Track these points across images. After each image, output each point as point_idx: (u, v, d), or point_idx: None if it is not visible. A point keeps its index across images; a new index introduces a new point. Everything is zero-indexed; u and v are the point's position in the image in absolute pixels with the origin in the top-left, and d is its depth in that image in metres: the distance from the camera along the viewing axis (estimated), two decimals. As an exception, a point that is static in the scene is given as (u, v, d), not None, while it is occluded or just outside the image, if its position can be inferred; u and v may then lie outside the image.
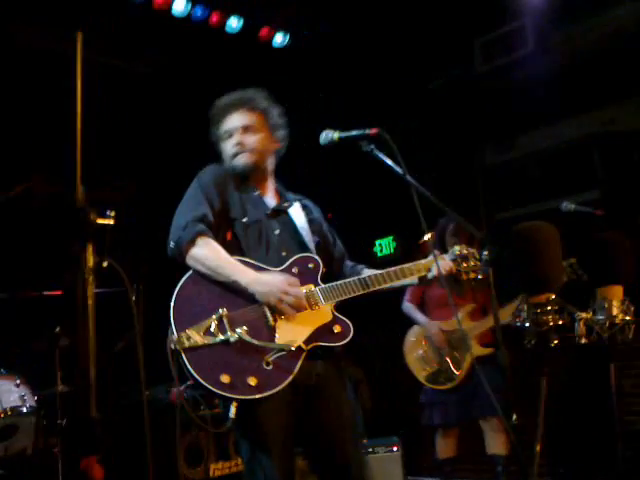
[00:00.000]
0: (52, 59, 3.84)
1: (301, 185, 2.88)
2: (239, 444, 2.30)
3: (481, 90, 5.02)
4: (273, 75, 5.03)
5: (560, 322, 1.90)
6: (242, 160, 2.46)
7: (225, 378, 2.10)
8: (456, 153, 5.68)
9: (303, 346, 2.24)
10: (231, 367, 2.13)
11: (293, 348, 2.21)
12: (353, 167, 4.71)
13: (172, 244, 2.30)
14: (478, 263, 2.43)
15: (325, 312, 2.32)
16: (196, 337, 2.12)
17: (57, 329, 3.77)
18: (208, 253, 2.25)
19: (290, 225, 2.48)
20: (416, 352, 4.00)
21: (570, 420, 4.86)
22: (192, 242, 2.26)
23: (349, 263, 2.69)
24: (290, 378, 2.18)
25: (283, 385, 2.16)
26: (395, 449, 4.25)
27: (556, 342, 1.90)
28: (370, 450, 4.15)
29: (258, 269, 2.30)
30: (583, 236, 2.37)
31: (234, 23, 4.74)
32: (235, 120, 2.48)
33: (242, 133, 2.47)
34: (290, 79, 5.10)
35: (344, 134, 2.37)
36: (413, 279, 2.51)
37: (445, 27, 4.79)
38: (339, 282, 2.37)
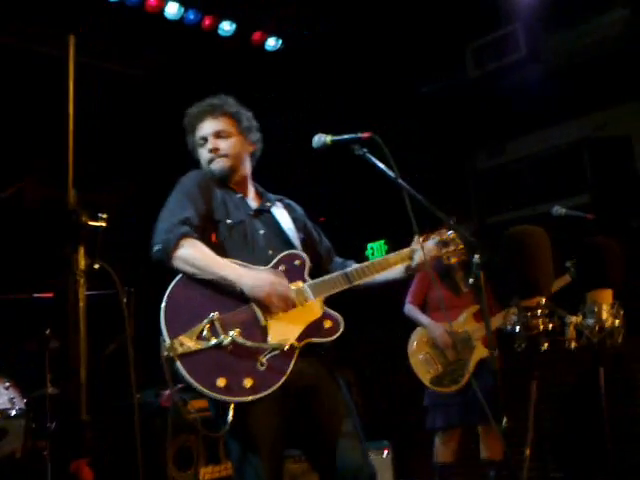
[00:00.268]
0: (46, 61, 3.84)
1: (293, 189, 2.89)
2: (228, 445, 2.30)
3: (473, 95, 5.05)
4: (266, 79, 5.05)
5: (550, 326, 1.92)
6: (218, 165, 2.50)
7: (221, 382, 2.11)
8: (448, 157, 5.70)
9: (295, 344, 2.25)
10: (226, 370, 2.13)
11: (286, 347, 2.22)
12: (345, 171, 4.72)
13: (157, 247, 2.30)
14: (461, 247, 2.45)
15: (315, 308, 2.33)
16: (189, 343, 2.12)
17: (47, 331, 3.76)
18: (195, 253, 2.26)
19: (274, 224, 2.51)
20: (420, 354, 3.98)
21: (567, 424, 4.90)
22: (178, 244, 2.26)
23: (338, 259, 2.69)
24: (285, 376, 2.18)
25: (279, 384, 2.17)
26: (385, 453, 4.26)
27: (546, 346, 1.92)
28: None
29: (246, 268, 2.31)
30: (574, 240, 2.39)
31: (227, 27, 4.74)
32: (208, 126, 2.52)
33: (216, 138, 2.51)
34: (283, 83, 5.12)
35: (337, 138, 2.39)
36: (399, 271, 2.53)
37: (437, 32, 4.81)
38: (326, 277, 2.39)
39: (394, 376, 5.30)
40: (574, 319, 2.09)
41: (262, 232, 2.45)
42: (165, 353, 2.12)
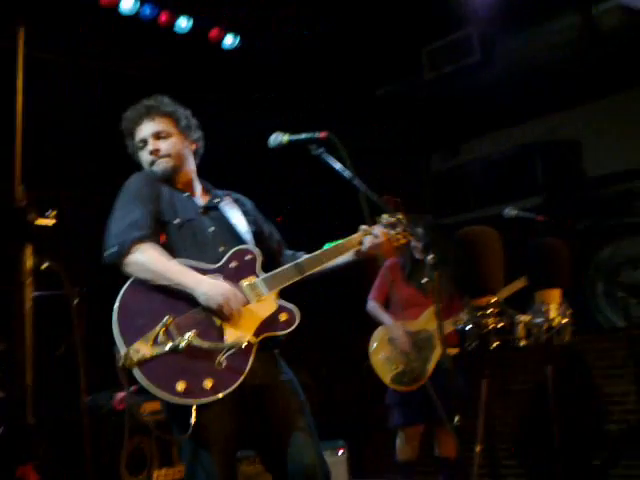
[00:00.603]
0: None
1: (250, 188, 2.87)
2: (181, 446, 2.28)
3: (428, 97, 5.11)
4: (223, 77, 5.01)
5: (500, 325, 1.96)
6: (160, 166, 2.47)
7: (181, 385, 2.09)
8: (403, 158, 5.77)
9: (253, 339, 2.24)
10: (185, 373, 2.11)
11: (244, 344, 2.21)
12: (302, 170, 4.73)
13: (109, 252, 2.26)
14: (407, 228, 2.48)
15: (270, 302, 2.32)
16: (144, 350, 2.09)
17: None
18: (148, 258, 2.22)
19: (223, 220, 2.49)
20: (381, 353, 3.98)
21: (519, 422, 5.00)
22: (130, 249, 2.22)
23: (289, 252, 2.69)
24: (245, 374, 2.17)
25: (239, 382, 2.16)
26: (341, 452, 4.27)
27: (496, 344, 1.96)
28: (316, 453, 4.16)
29: (199, 270, 2.28)
30: (524, 241, 2.44)
31: (183, 23, 4.68)
32: (146, 128, 2.49)
33: (155, 139, 2.48)
34: (240, 81, 5.09)
35: (293, 137, 2.39)
36: (350, 254, 2.53)
37: (394, 35, 4.85)
38: (278, 270, 2.38)
39: (350, 375, 5.32)
40: (523, 318, 2.14)
41: (212, 229, 2.43)
42: (120, 362, 2.08)
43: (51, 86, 4.19)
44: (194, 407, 2.11)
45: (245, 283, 2.33)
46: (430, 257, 2.18)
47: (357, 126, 5.33)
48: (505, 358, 4.95)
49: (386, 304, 4.12)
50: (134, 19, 4.47)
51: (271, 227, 2.71)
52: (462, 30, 4.85)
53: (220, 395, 2.12)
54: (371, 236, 2.48)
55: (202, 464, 2.18)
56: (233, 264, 2.36)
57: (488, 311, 1.96)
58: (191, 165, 2.57)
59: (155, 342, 2.12)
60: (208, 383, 2.11)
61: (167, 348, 2.12)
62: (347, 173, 2.32)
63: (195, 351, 2.14)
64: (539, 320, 2.19)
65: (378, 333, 4.05)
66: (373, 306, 4.10)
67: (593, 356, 4.85)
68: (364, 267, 2.78)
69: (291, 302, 2.41)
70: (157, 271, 2.21)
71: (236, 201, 2.62)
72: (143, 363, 2.08)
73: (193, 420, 2.09)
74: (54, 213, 1.44)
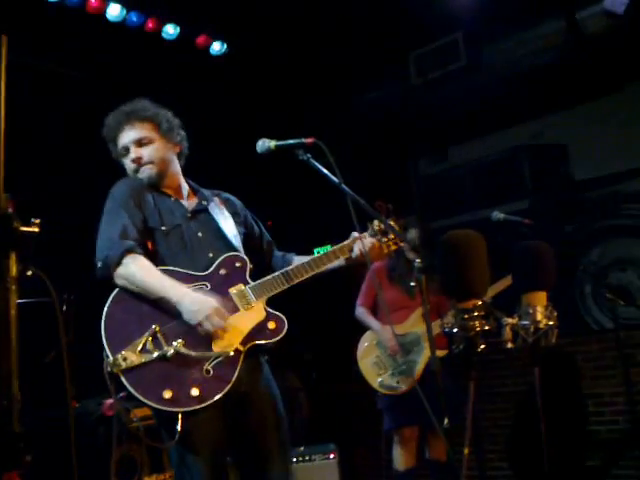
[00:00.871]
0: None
1: (239, 192, 2.87)
2: (169, 451, 2.28)
3: (416, 102, 5.14)
4: (210, 83, 5.02)
5: (487, 327, 1.97)
6: (145, 174, 2.46)
7: (167, 393, 2.10)
8: (392, 163, 5.79)
9: (240, 348, 2.25)
10: (172, 381, 2.12)
11: (231, 353, 2.21)
12: (291, 175, 4.74)
13: (100, 264, 2.26)
14: (397, 235, 2.50)
15: (258, 310, 2.33)
16: (132, 357, 2.10)
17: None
18: (137, 271, 2.22)
19: (212, 224, 2.49)
20: (369, 358, 3.97)
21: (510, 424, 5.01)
22: (120, 261, 2.22)
23: (279, 253, 2.70)
24: (231, 383, 2.18)
25: (226, 390, 2.17)
26: (332, 456, 4.27)
27: (483, 347, 1.97)
28: (307, 458, 4.16)
29: (187, 277, 2.28)
30: (511, 244, 2.45)
31: (171, 30, 4.69)
32: (127, 135, 2.47)
33: (137, 147, 2.47)
34: (227, 87, 5.10)
35: (280, 143, 2.39)
36: (339, 261, 2.55)
37: (381, 40, 4.88)
38: (267, 278, 2.39)
39: (341, 380, 5.32)
40: (510, 320, 2.15)
41: (200, 234, 2.43)
42: (108, 369, 2.10)
43: (36, 93, 4.18)
44: (180, 416, 2.12)
45: (234, 291, 2.33)
46: (418, 260, 2.19)
47: (346, 131, 5.36)
48: (495, 361, 4.98)
49: (374, 307, 4.12)
50: (121, 26, 4.49)
51: (261, 227, 2.71)
52: (448, 36, 4.88)
53: (206, 404, 2.13)
54: (361, 243, 2.49)
55: (190, 470, 2.19)
56: (222, 271, 2.36)
57: (474, 314, 1.98)
58: (176, 167, 2.56)
59: (143, 350, 2.13)
60: (195, 391, 2.12)
61: (154, 356, 2.12)
62: (334, 178, 2.33)
63: (182, 359, 2.15)
64: (526, 322, 2.19)
65: (366, 338, 4.05)
66: (361, 312, 4.10)
67: (582, 357, 4.89)
68: (352, 270, 2.79)
69: (281, 306, 2.43)
70: (142, 285, 2.21)
71: (225, 201, 2.62)
72: (130, 371, 2.09)
73: (179, 427, 2.10)
74: (38, 220, 1.44)
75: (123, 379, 2.09)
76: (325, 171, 2.35)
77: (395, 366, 3.89)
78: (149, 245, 2.35)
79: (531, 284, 2.23)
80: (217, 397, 2.15)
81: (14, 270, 1.37)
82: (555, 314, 2.22)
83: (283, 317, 2.35)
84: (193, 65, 4.90)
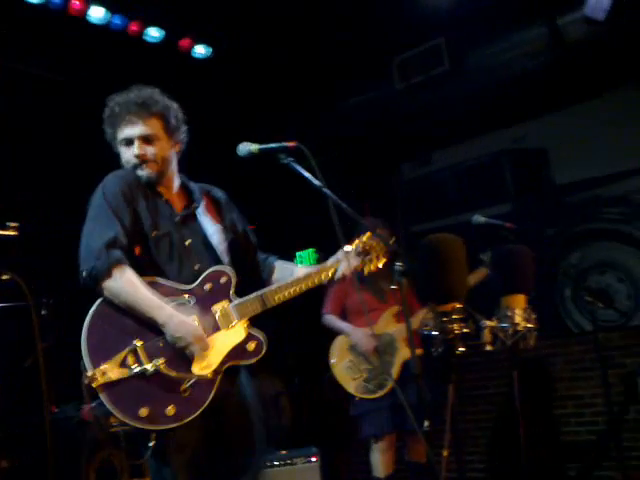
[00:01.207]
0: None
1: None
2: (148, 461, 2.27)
3: (399, 106, 5.16)
4: (194, 86, 5.00)
5: (466, 330, 1.99)
6: (146, 172, 2.39)
7: (144, 412, 2.09)
8: (375, 167, 5.81)
9: (219, 369, 2.24)
10: (149, 399, 2.11)
11: (209, 376, 2.21)
12: (273, 179, 4.74)
13: (85, 274, 2.20)
14: (382, 253, 2.49)
15: (240, 330, 2.32)
16: (111, 372, 2.08)
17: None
18: (124, 287, 2.17)
19: (200, 231, 2.45)
20: (343, 363, 3.89)
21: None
22: (107, 273, 2.17)
23: (262, 255, 2.68)
24: (206, 404, 2.18)
25: (201, 409, 2.17)
26: (314, 459, 4.26)
27: (462, 350, 1.99)
28: (289, 461, 4.15)
29: (172, 290, 2.27)
30: (491, 247, 2.48)
31: (154, 33, 4.67)
32: (134, 129, 2.37)
33: (142, 143, 2.38)
34: (211, 91, 5.09)
35: (263, 146, 2.38)
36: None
37: (364, 44, 4.90)
38: (251, 296, 2.36)
39: (323, 383, 5.32)
40: (489, 323, 2.17)
41: (188, 243, 2.39)
42: (86, 381, 2.08)
43: (16, 96, 4.15)
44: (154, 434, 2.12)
45: (217, 308, 2.31)
46: (399, 263, 2.20)
47: (328, 135, 5.37)
48: (477, 363, 5.01)
49: (342, 314, 4.05)
50: (104, 29, 4.46)
51: (246, 228, 2.67)
52: (431, 41, 4.91)
53: (181, 423, 2.13)
54: (345, 264, 2.48)
55: None
56: (207, 286, 2.33)
57: (453, 317, 2.00)
58: (174, 166, 2.51)
59: (123, 364, 2.11)
60: (170, 410, 2.12)
61: (134, 372, 2.11)
62: (317, 181, 2.33)
63: (161, 378, 2.14)
64: (505, 325, 2.22)
65: (337, 343, 3.97)
66: (330, 318, 4.03)
67: (563, 359, 4.94)
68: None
69: (265, 311, 2.41)
70: (128, 303, 2.18)
71: (213, 202, 2.58)
72: (109, 386, 2.08)
73: (152, 443, 2.11)
74: (16, 224, 1.42)
75: (101, 394, 2.08)
76: (307, 175, 2.35)
77: (370, 369, 3.83)
78: (137, 250, 2.30)
79: (510, 287, 2.26)
80: (192, 417, 2.15)
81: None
82: (534, 317, 2.26)
83: (263, 338, 2.34)
84: (177, 68, 4.88)
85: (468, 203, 5.31)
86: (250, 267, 2.64)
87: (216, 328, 2.29)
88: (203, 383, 2.20)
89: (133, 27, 4.58)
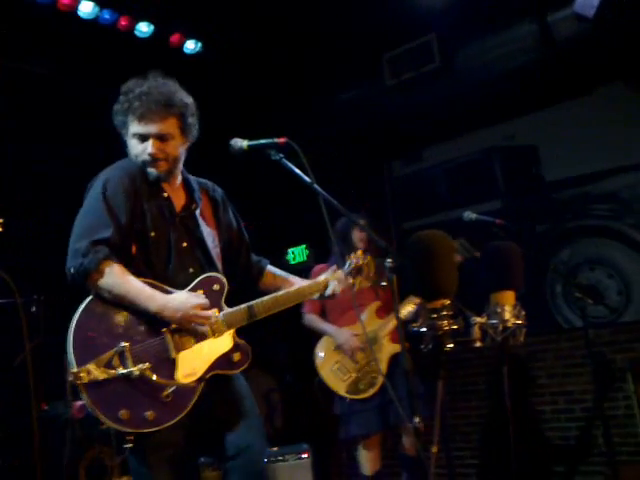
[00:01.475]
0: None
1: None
2: (128, 460, 2.28)
3: (390, 103, 5.16)
4: (184, 82, 4.98)
5: (455, 327, 2.00)
6: (156, 171, 2.36)
7: (124, 414, 2.09)
8: (365, 164, 5.82)
9: (202, 376, 2.25)
10: (130, 402, 2.11)
11: (193, 385, 2.21)
12: (265, 175, 4.74)
13: (73, 270, 2.17)
14: (372, 272, 2.52)
15: (226, 339, 2.33)
16: (96, 372, 2.08)
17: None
18: (115, 280, 2.16)
19: (197, 233, 2.44)
20: (330, 365, 3.84)
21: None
22: (96, 270, 2.15)
23: (255, 258, 2.69)
24: (186, 410, 2.19)
25: (181, 416, 2.17)
26: (305, 456, 4.26)
27: (451, 346, 2.00)
28: (280, 458, 4.15)
29: (166, 293, 2.25)
30: (481, 244, 2.49)
31: (144, 28, 4.65)
32: (151, 127, 2.32)
33: (157, 141, 2.34)
34: (202, 86, 5.06)
35: (253, 142, 2.37)
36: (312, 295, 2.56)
37: (355, 40, 4.90)
38: (241, 307, 2.36)
39: (315, 380, 5.33)
40: (479, 320, 2.18)
41: (185, 245, 2.38)
42: (70, 378, 2.08)
43: (4, 91, 4.12)
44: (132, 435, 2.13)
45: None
46: (389, 260, 2.20)
47: (320, 131, 5.37)
48: (468, 359, 5.03)
49: (321, 314, 4.01)
50: (93, 24, 4.43)
51: (240, 224, 2.67)
52: (422, 37, 4.91)
53: (160, 427, 2.13)
54: (336, 282, 2.51)
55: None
56: (199, 292, 2.32)
57: (442, 313, 2.00)
58: (181, 163, 2.48)
59: (107, 364, 2.11)
60: (150, 415, 2.13)
61: (119, 373, 2.11)
62: (307, 178, 2.33)
63: (144, 382, 2.14)
64: (494, 321, 2.23)
65: (322, 345, 3.92)
66: (311, 318, 3.99)
67: (553, 355, 4.97)
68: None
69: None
70: (121, 294, 2.17)
71: (211, 200, 2.56)
72: (92, 385, 2.08)
73: (130, 445, 2.12)
74: (1, 221, 1.41)
75: (84, 393, 2.08)
76: (297, 171, 2.35)
77: (358, 369, 3.80)
78: (133, 249, 2.28)
79: (500, 284, 2.27)
80: (171, 422, 2.16)
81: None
82: (523, 313, 2.26)
83: (248, 349, 2.36)
84: (167, 63, 4.85)
85: (459, 200, 5.32)
86: (242, 266, 2.64)
87: (204, 336, 2.28)
88: (186, 390, 2.20)
89: (123, 22, 4.56)
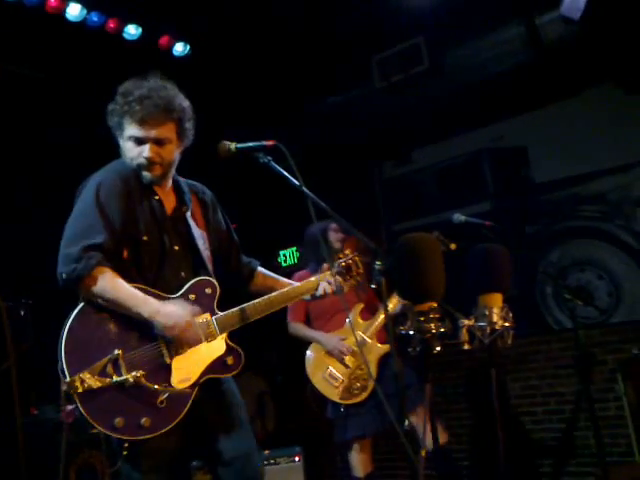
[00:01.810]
0: None
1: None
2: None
3: (379, 105, 5.17)
4: (173, 84, 4.97)
5: (443, 329, 2.00)
6: (150, 174, 2.35)
7: (119, 422, 2.09)
8: (355, 166, 5.82)
9: (197, 381, 2.25)
10: (125, 409, 2.11)
11: (188, 390, 2.21)
12: (256, 177, 4.73)
13: (65, 276, 2.15)
14: (361, 271, 2.53)
15: (220, 344, 2.33)
16: (90, 380, 2.07)
17: None
18: (107, 285, 2.14)
19: (188, 236, 2.43)
20: (322, 372, 3.81)
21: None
22: (89, 275, 2.13)
23: (245, 259, 2.68)
24: (181, 416, 2.19)
25: (176, 421, 2.17)
26: (297, 459, 4.27)
27: (439, 349, 2.00)
28: (272, 461, 4.15)
29: (157, 298, 2.24)
30: (470, 246, 2.49)
31: (132, 31, 4.64)
32: (149, 132, 2.30)
33: (154, 145, 2.32)
34: (190, 88, 5.06)
35: (241, 145, 2.37)
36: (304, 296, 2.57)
37: (344, 43, 4.90)
38: (234, 310, 2.37)
39: (306, 383, 5.33)
40: (467, 322, 2.19)
41: (177, 248, 2.37)
42: (64, 388, 2.08)
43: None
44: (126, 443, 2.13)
45: (200, 321, 2.30)
46: (378, 262, 2.20)
47: (310, 134, 5.37)
48: (460, 361, 5.04)
49: (306, 321, 3.99)
50: (81, 26, 4.42)
51: (230, 229, 2.67)
52: (411, 39, 4.93)
53: (155, 434, 2.13)
54: (326, 282, 2.53)
55: None
56: (191, 296, 2.32)
57: (430, 316, 2.01)
58: (174, 167, 2.47)
59: (101, 373, 2.10)
60: (146, 422, 2.12)
61: (113, 381, 2.11)
62: (295, 180, 2.33)
63: (139, 389, 2.14)
64: (482, 324, 2.24)
65: (311, 352, 3.90)
66: (297, 327, 3.97)
67: (544, 356, 4.98)
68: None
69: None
70: (113, 300, 2.16)
71: (201, 202, 2.56)
72: (87, 394, 2.07)
73: (125, 452, 2.12)
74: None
75: (78, 402, 2.07)
76: (286, 174, 2.35)
77: (349, 373, 3.78)
78: (124, 253, 2.27)
79: (487, 286, 2.27)
80: (166, 428, 2.15)
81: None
82: (511, 315, 2.27)
83: (241, 352, 2.36)
84: (155, 66, 4.84)
85: (448, 202, 5.33)
86: (233, 267, 2.64)
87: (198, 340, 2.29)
88: (180, 395, 2.20)
89: (111, 24, 4.55)
